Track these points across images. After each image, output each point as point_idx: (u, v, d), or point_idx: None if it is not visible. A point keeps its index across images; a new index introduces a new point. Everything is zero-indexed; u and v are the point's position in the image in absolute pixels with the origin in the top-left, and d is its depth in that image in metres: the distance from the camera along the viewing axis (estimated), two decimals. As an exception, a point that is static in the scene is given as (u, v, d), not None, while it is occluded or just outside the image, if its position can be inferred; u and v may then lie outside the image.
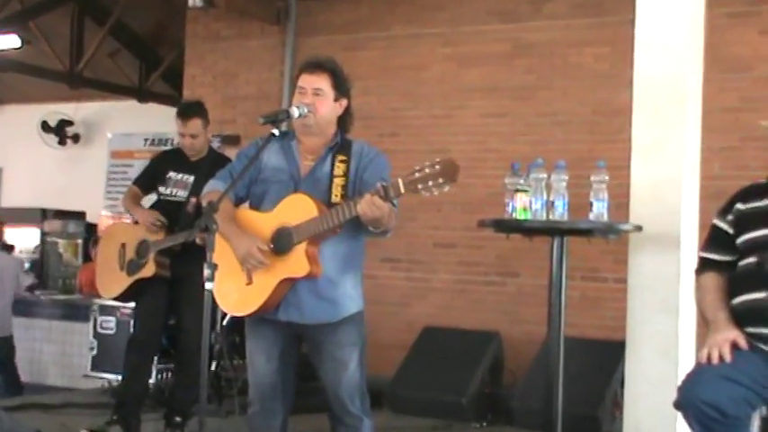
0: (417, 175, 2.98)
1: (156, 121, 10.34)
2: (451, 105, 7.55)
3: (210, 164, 5.03)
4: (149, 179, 5.33)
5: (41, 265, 10.89)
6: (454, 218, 7.34)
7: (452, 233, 7.40)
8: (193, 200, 4.95)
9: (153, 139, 10.39)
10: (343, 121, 3.50)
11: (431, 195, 3.00)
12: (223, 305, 3.43)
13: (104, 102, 12.00)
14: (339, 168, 3.37)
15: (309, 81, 3.39)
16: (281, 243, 3.27)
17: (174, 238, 5.00)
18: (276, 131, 3.27)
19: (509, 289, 7.17)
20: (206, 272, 3.00)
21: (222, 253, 3.24)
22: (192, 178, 5.15)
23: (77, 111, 12.34)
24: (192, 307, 5.01)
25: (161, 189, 5.23)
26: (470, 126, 7.44)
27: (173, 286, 5.14)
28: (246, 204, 3.50)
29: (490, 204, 6.76)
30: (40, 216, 11.17)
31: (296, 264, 3.24)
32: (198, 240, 4.70)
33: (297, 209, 3.27)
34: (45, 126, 12.24)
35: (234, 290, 3.35)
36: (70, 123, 12.34)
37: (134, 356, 5.22)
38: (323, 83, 3.40)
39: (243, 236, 3.29)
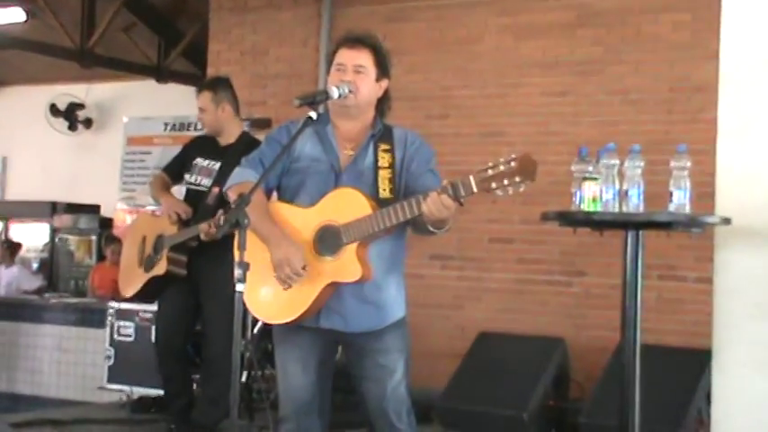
0: (491, 172, 2.99)
1: (176, 104, 10.45)
2: (508, 83, 7.52)
3: (241, 150, 5.07)
4: (178, 166, 5.45)
5: (51, 264, 11.06)
6: (512, 210, 7.31)
7: (510, 227, 7.39)
8: (215, 190, 5.07)
9: (174, 124, 10.50)
10: (382, 104, 3.52)
11: (505, 195, 3.01)
12: (256, 312, 3.44)
13: (119, 82, 12.14)
14: (384, 159, 3.38)
15: (350, 57, 3.40)
16: (327, 243, 3.27)
17: (187, 232, 5.09)
18: (314, 114, 3.26)
19: (575, 289, 7.14)
20: (236, 272, 3.00)
21: (254, 251, 3.25)
22: (217, 165, 5.24)
23: (89, 92, 12.50)
24: (214, 310, 5.12)
25: (186, 177, 5.35)
26: (529, 106, 7.41)
27: (195, 287, 5.20)
28: (274, 196, 3.51)
29: (553, 194, 6.71)
30: (49, 210, 11.33)
31: (346, 267, 3.25)
32: (203, 236, 4.88)
33: (345, 205, 3.27)
34: (54, 110, 12.41)
35: (269, 295, 3.36)
36: (81, 107, 12.50)
37: (161, 367, 5.34)
38: (365, 59, 3.41)
39: (282, 240, 3.29)
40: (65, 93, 12.47)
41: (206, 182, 5.24)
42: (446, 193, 3.04)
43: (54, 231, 11.08)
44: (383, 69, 3.45)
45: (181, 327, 5.32)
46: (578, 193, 3.97)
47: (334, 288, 3.30)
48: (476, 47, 7.67)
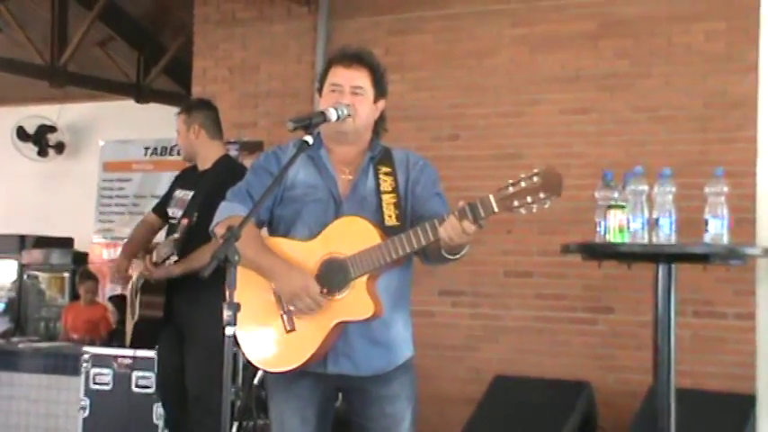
0: (512, 189, 3.01)
1: (158, 125, 10.45)
2: (524, 100, 7.54)
3: (215, 176, 5.23)
4: (164, 203, 5.58)
5: (18, 305, 11.01)
6: (530, 240, 7.31)
7: (528, 259, 7.38)
8: (184, 221, 5.17)
9: (155, 148, 10.52)
10: (378, 125, 3.55)
11: (528, 213, 3.04)
12: (256, 359, 3.43)
13: (94, 102, 12.15)
14: (386, 182, 3.40)
15: (346, 77, 3.42)
16: (333, 278, 3.27)
17: (161, 270, 5.22)
18: (310, 139, 3.26)
19: (601, 328, 7.12)
20: (225, 314, 3.00)
21: (246, 291, 3.25)
22: (190, 194, 5.33)
23: (61, 114, 12.52)
24: (192, 354, 5.25)
25: (168, 210, 5.43)
26: (548, 125, 7.42)
27: (180, 329, 5.33)
28: (265, 231, 3.52)
29: (575, 223, 6.73)
30: (16, 245, 11.28)
31: (357, 303, 3.25)
32: (147, 275, 5.03)
33: (351, 235, 3.28)
34: (21, 133, 12.40)
35: (269, 339, 3.36)
36: (53, 129, 12.50)
37: (165, 412, 5.45)
38: (363, 79, 3.43)
39: (291, 269, 3.30)
40: (34, 114, 12.48)
41: (179, 213, 5.32)
42: (466, 217, 3.05)
43: (22, 268, 11.05)
44: (380, 89, 3.48)
45: (171, 368, 5.38)
46: (603, 223, 3.99)
47: (342, 328, 3.30)
48: (488, 61, 7.69)
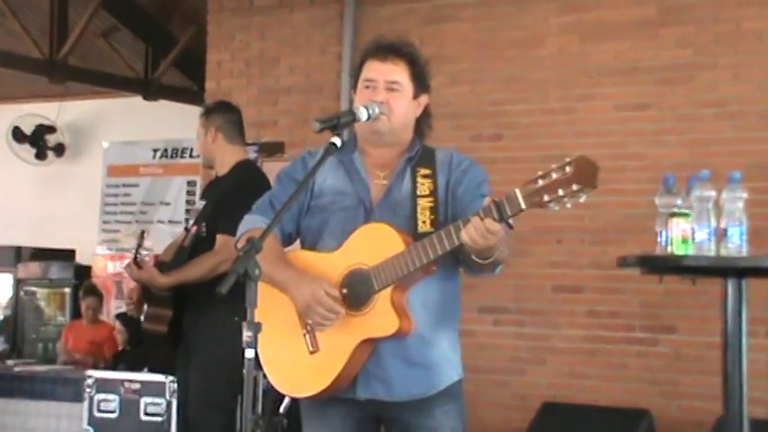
0: (542, 182, 2.96)
1: (167, 125, 10.54)
2: (574, 95, 7.53)
3: (230, 183, 5.34)
4: None
5: (15, 323, 11.08)
6: (581, 251, 7.30)
7: (579, 273, 7.37)
8: (193, 229, 5.31)
9: (164, 149, 10.58)
10: (421, 123, 3.56)
11: (562, 209, 2.99)
12: (278, 384, 3.46)
13: (98, 99, 12.24)
14: (423, 186, 3.40)
15: (381, 71, 3.43)
16: (357, 291, 3.28)
17: (143, 273, 5.31)
18: (338, 141, 3.27)
19: (662, 349, 7.09)
20: (246, 334, 3.01)
21: (268, 309, 3.26)
22: (202, 203, 5.51)
23: (61, 112, 12.59)
24: (193, 376, 5.33)
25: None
26: (600, 123, 7.41)
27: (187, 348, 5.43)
28: (297, 245, 3.54)
29: (632, 232, 6.74)
30: (12, 257, 11.36)
31: (380, 318, 3.25)
32: (129, 311, 5.13)
33: (374, 243, 3.28)
34: (17, 134, 12.49)
35: (291, 361, 3.38)
36: (52, 130, 12.59)
37: None
38: (400, 74, 3.44)
39: (303, 278, 3.32)
40: (31, 113, 12.56)
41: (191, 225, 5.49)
42: (490, 216, 3.02)
43: (18, 283, 11.12)
44: (421, 84, 3.49)
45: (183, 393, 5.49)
46: (664, 233, 3.97)
47: (371, 347, 3.30)
48: (534, 51, 7.69)
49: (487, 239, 3.03)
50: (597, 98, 7.46)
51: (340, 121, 3.29)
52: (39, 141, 12.55)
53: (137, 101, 11.52)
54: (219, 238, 5.19)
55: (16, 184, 12.71)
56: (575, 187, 2.92)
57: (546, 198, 2.95)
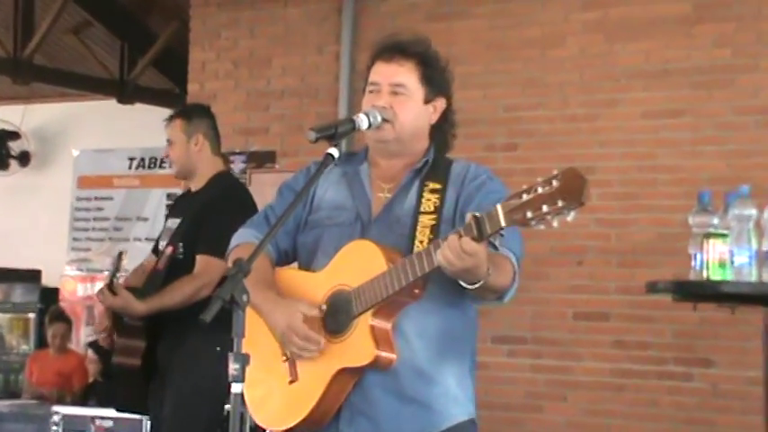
0: (525, 197, 2.90)
1: (145, 131, 10.48)
2: (598, 100, 7.54)
3: (204, 199, 5.32)
4: (158, 237, 5.68)
5: (-27, 352, 11.07)
6: (605, 274, 7.30)
7: (604, 298, 7.37)
8: (168, 249, 5.28)
9: (141, 158, 10.59)
10: (440, 132, 3.54)
11: (548, 228, 2.92)
12: (257, 417, 3.46)
13: (67, 102, 12.23)
14: (429, 202, 3.38)
15: (386, 72, 3.44)
16: (337, 316, 3.29)
17: (117, 299, 5.24)
18: (335, 152, 3.26)
19: (697, 385, 7.08)
20: (232, 367, 3.01)
21: (255, 337, 3.28)
22: (177, 222, 5.43)
23: (26, 117, 12.60)
24: (170, 414, 5.28)
25: (159, 245, 5.52)
26: (628, 132, 7.42)
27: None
28: (296, 264, 3.55)
29: (663, 254, 6.72)
30: (-30, 278, 11.37)
31: (356, 346, 3.24)
32: (100, 340, 5.08)
33: (358, 262, 3.28)
34: (-24, 141, 12.52)
35: (271, 391, 3.38)
36: (15, 136, 12.59)
37: None
38: (405, 75, 3.44)
39: (278, 303, 3.33)
40: (-8, 117, 12.59)
41: (165, 246, 5.42)
42: (469, 234, 2.98)
43: None
44: (435, 86, 3.48)
45: None
46: (699, 255, 3.98)
47: (352, 378, 3.29)
48: (553, 52, 7.71)
49: (464, 260, 2.98)
50: (624, 104, 7.48)
51: (338, 130, 3.27)
52: (0, 149, 12.53)
53: (111, 104, 11.52)
54: (200, 259, 5.16)
55: (-24, 196, 12.71)
56: (560, 203, 2.85)
57: (529, 215, 2.89)
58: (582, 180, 2.83)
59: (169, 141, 5.49)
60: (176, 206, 5.65)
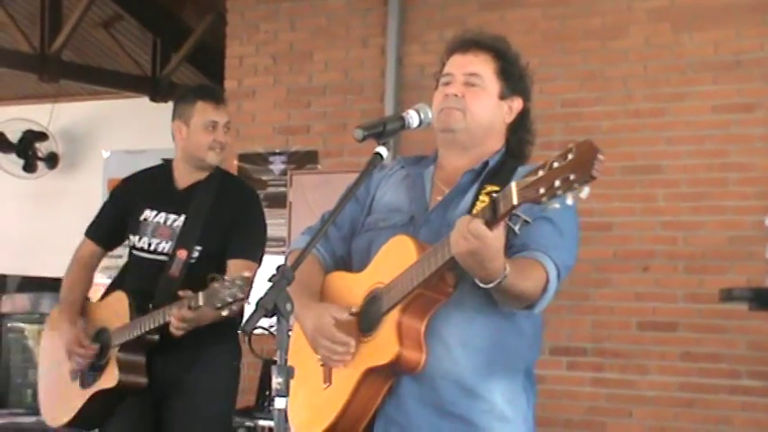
0: (541, 173, 2.89)
1: (179, 131, 10.55)
2: (664, 94, 7.52)
3: (215, 193, 5.29)
4: (110, 223, 5.54)
5: (-2, 366, 11.14)
6: (673, 281, 7.28)
7: (671, 306, 7.34)
8: (181, 254, 5.21)
9: (175, 160, 10.61)
10: (515, 135, 3.56)
11: (561, 205, 2.88)
12: (293, 423, 3.49)
13: (97, 101, 12.28)
14: (483, 204, 3.39)
15: (461, 63, 3.50)
16: (370, 314, 3.33)
17: (144, 321, 5.12)
18: (384, 151, 3.29)
19: (774, 400, 7.06)
20: (275, 381, 3.01)
21: (299, 348, 3.33)
22: (180, 220, 5.33)
23: (54, 116, 12.65)
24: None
25: (133, 239, 5.40)
26: (696, 127, 7.39)
27: (161, 400, 5.34)
28: None
29: (737, 259, 6.69)
30: (-5, 287, 11.44)
31: (382, 344, 3.27)
32: (174, 327, 4.92)
33: (395, 260, 3.32)
34: (2, 141, 12.52)
35: (307, 397, 3.43)
36: (43, 137, 12.64)
37: None
38: (481, 66, 3.49)
39: (311, 307, 3.38)
40: (18, 117, 12.59)
41: (167, 246, 5.33)
42: (483, 215, 3.00)
43: (2, 318, 11.17)
44: (512, 83, 3.52)
45: None
46: (776, 260, 3.97)
47: (383, 381, 3.32)
48: (615, 43, 7.69)
49: (468, 242, 2.98)
50: (692, 98, 7.45)
51: (386, 128, 3.30)
52: (27, 150, 12.56)
53: (143, 102, 11.56)
54: (243, 265, 5.07)
55: (0, 200, 12.79)
56: (572, 177, 2.82)
57: (541, 191, 2.86)
58: (593, 152, 2.79)
59: (227, 127, 5.39)
60: (157, 195, 5.41)
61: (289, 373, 2.98)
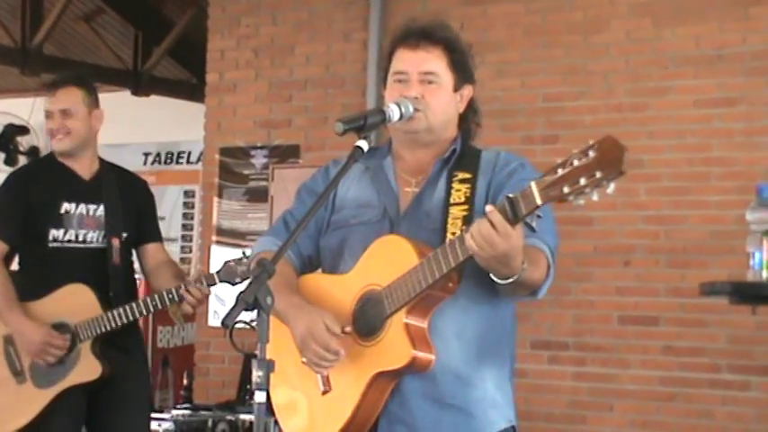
0: (561, 172, 2.90)
1: (161, 124, 10.57)
2: (645, 88, 7.52)
3: (117, 182, 5.49)
4: (18, 221, 5.46)
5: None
6: (654, 275, 7.29)
7: (652, 300, 7.35)
8: (115, 242, 5.36)
9: (157, 153, 10.62)
10: (467, 121, 3.58)
11: (587, 201, 2.90)
12: (287, 429, 3.49)
13: (78, 95, 12.27)
14: (459, 192, 3.41)
15: (413, 61, 3.46)
16: (369, 317, 3.32)
17: (127, 311, 5.22)
18: (365, 144, 3.28)
19: (755, 395, 7.05)
20: (256, 374, 3.02)
21: (280, 344, 3.30)
22: (101, 209, 5.44)
23: (35, 110, 12.60)
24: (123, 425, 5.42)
25: (54, 233, 5.41)
26: (678, 122, 7.40)
27: (97, 391, 5.40)
28: (320, 270, 3.57)
29: (717, 253, 6.70)
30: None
31: (392, 348, 3.26)
32: (187, 309, 5.13)
33: (388, 259, 3.31)
34: (-16, 136, 12.58)
35: (303, 404, 3.41)
36: (24, 131, 12.63)
37: None
38: (435, 62, 3.47)
39: (303, 308, 3.36)
40: (0, 111, 12.63)
41: (96, 235, 5.43)
42: (503, 215, 2.99)
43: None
44: (463, 73, 3.51)
45: None
46: (758, 254, 3.98)
47: (389, 383, 3.32)
48: (597, 37, 7.69)
49: (495, 246, 2.99)
50: (674, 92, 7.46)
51: (367, 122, 3.29)
52: (8, 144, 12.59)
53: (124, 96, 11.52)
54: (162, 248, 5.59)
55: (-18, 195, 12.74)
56: (598, 174, 2.83)
57: (566, 190, 2.88)
58: (620, 148, 2.82)
59: (65, 112, 5.41)
60: (65, 185, 5.45)
61: (269, 368, 2.98)
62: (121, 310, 5.18)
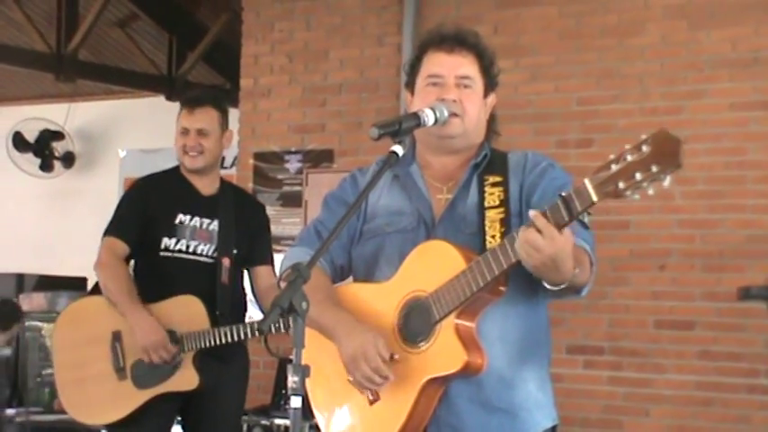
0: (615, 167, 2.90)
1: (195, 130, 10.54)
2: (681, 92, 7.50)
3: (235, 202, 5.58)
4: (136, 224, 5.59)
5: (16, 365, 11.12)
6: (690, 279, 7.26)
7: (689, 305, 7.32)
8: (225, 262, 5.45)
9: (192, 159, 10.60)
10: (491, 124, 3.59)
11: (643, 196, 2.90)
12: None
13: (113, 100, 12.32)
14: (493, 195, 3.42)
15: (450, 65, 3.46)
16: (416, 324, 3.31)
17: (227, 331, 5.32)
18: (400, 149, 3.26)
19: (793, 400, 7.03)
20: (291, 380, 3.01)
21: (317, 350, 3.31)
22: (215, 224, 5.54)
23: (71, 116, 12.68)
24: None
25: (166, 242, 5.52)
26: (714, 125, 7.37)
27: (189, 402, 5.52)
28: (350, 279, 3.57)
29: (755, 257, 6.67)
30: (13, 286, 11.43)
31: (444, 353, 3.25)
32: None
33: (432, 265, 3.30)
34: (19, 141, 12.57)
35: (350, 414, 3.40)
36: (59, 136, 12.67)
37: None
38: (470, 67, 3.48)
39: (356, 327, 3.34)
40: (35, 116, 12.64)
41: (207, 248, 5.53)
42: (558, 215, 2.98)
43: (20, 316, 11.18)
44: (491, 81, 3.53)
45: None
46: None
47: (439, 388, 3.31)
48: (631, 40, 7.67)
49: (545, 250, 2.99)
50: (709, 95, 7.43)
51: (402, 126, 3.28)
52: (44, 150, 12.61)
53: (159, 101, 11.58)
54: (270, 271, 5.57)
55: (17, 200, 12.79)
56: (654, 169, 2.85)
57: (622, 186, 2.89)
58: (676, 141, 2.85)
59: (201, 132, 5.54)
60: (185, 199, 5.59)
61: (304, 372, 2.98)
62: (227, 329, 5.29)
